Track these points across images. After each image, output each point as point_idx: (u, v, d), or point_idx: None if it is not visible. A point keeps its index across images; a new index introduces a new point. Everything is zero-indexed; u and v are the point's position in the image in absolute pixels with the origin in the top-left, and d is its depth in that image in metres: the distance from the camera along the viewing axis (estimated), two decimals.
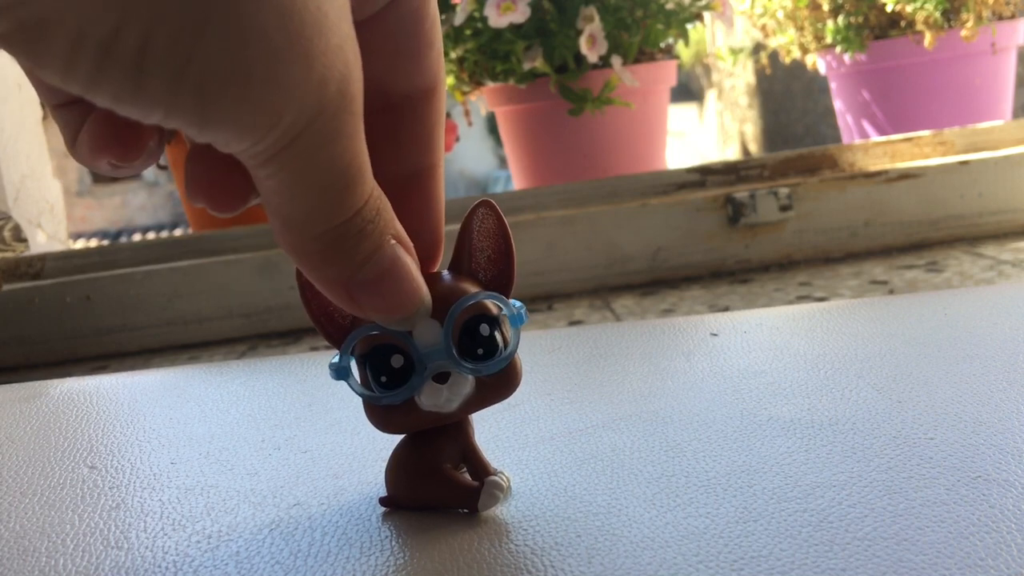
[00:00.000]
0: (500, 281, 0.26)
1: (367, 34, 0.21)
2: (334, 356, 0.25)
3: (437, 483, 0.26)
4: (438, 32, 0.25)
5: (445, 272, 0.26)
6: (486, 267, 0.26)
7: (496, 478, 0.25)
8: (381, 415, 0.25)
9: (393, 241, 0.22)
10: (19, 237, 1.06)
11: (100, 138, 0.21)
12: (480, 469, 0.26)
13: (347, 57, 0.19)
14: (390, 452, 0.26)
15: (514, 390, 0.26)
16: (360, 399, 0.25)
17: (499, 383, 0.25)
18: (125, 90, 0.17)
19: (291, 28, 0.18)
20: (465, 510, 0.26)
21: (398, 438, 0.26)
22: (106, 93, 0.17)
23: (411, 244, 0.23)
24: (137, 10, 0.16)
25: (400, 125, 0.25)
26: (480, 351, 0.25)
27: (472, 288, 0.25)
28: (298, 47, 0.18)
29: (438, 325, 0.24)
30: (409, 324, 0.24)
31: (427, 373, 0.24)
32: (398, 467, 0.26)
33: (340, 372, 0.25)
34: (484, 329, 0.25)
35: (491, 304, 0.25)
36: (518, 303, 0.26)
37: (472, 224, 0.26)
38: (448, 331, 0.24)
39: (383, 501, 0.27)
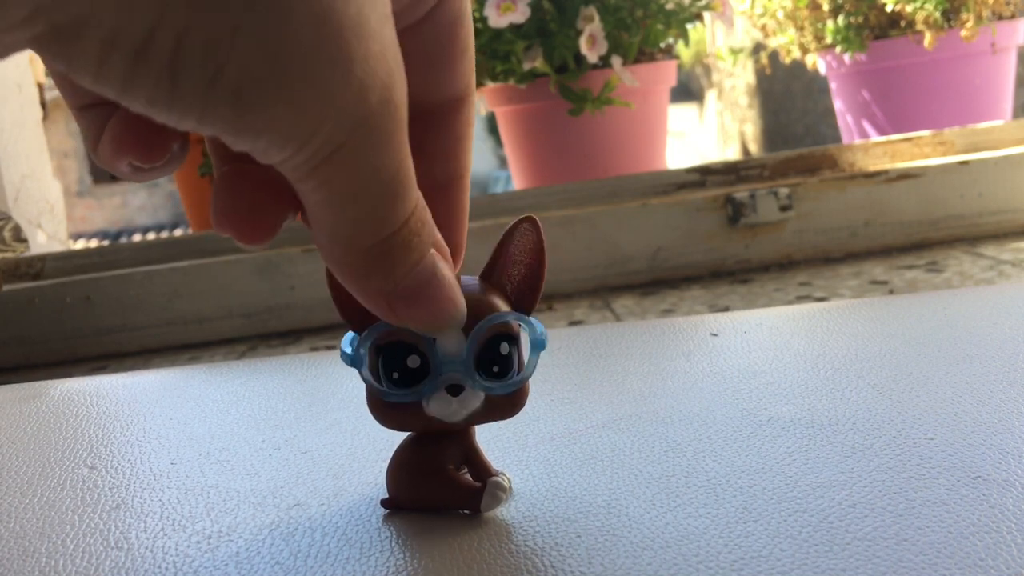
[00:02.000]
0: (526, 297, 0.26)
1: (403, 43, 0.20)
2: (346, 341, 0.25)
3: (440, 484, 0.25)
4: (471, 40, 0.24)
5: (475, 279, 0.25)
6: (516, 280, 0.26)
7: (498, 479, 0.25)
8: (383, 410, 0.25)
9: (433, 251, 0.22)
10: (19, 237, 1.06)
11: (123, 138, 0.20)
12: (482, 470, 0.26)
13: (389, 64, 0.19)
14: (391, 453, 0.26)
15: (519, 411, 0.25)
16: (362, 400, 0.25)
17: (506, 403, 0.25)
18: (159, 94, 0.17)
19: (329, 32, 0.17)
20: (467, 511, 0.26)
21: (399, 439, 0.26)
22: (140, 97, 0.17)
23: (448, 252, 0.23)
24: (171, 13, 0.16)
25: (429, 136, 0.24)
26: (496, 368, 0.25)
27: (499, 301, 0.25)
28: (337, 51, 0.17)
29: (463, 336, 0.24)
30: (441, 333, 0.23)
31: (441, 382, 0.24)
32: (400, 468, 0.26)
33: (355, 360, 0.24)
34: (504, 348, 0.25)
35: (514, 323, 0.25)
36: (541, 328, 0.25)
37: (513, 237, 0.26)
38: (471, 346, 0.24)
39: (385, 503, 0.27)
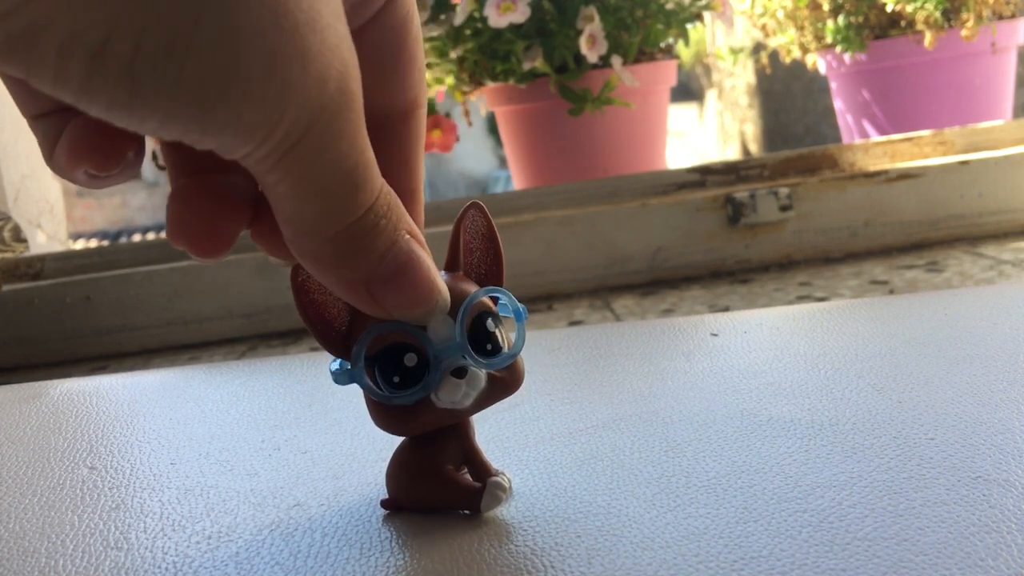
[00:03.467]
0: (490, 280, 0.27)
1: None
2: (333, 362, 0.25)
3: (439, 484, 0.25)
4: (420, 49, 0.25)
5: (442, 272, 0.26)
6: (477, 267, 0.27)
7: (498, 479, 0.25)
8: (393, 417, 0.25)
9: (407, 236, 0.22)
10: (19, 237, 1.06)
11: (78, 147, 0.20)
12: (482, 470, 0.26)
13: (344, 55, 0.19)
14: (390, 453, 0.26)
15: (519, 386, 0.26)
16: (362, 400, 0.25)
17: (506, 379, 0.25)
18: (119, 98, 0.17)
19: (285, 26, 0.17)
20: (467, 511, 0.26)
21: (398, 439, 0.26)
22: (99, 102, 0.17)
23: (423, 238, 0.23)
24: (127, 16, 0.16)
25: (378, 147, 0.24)
26: (488, 346, 0.25)
27: (468, 284, 0.25)
28: (294, 45, 0.18)
29: (451, 321, 0.24)
30: (429, 317, 0.23)
31: (443, 369, 0.24)
32: (400, 469, 0.26)
33: (353, 376, 0.24)
34: (491, 324, 0.25)
35: (490, 300, 0.25)
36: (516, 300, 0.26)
37: (463, 225, 0.26)
38: (462, 326, 0.24)
39: (385, 504, 0.27)
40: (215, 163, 0.21)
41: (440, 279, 0.23)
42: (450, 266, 0.26)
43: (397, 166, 0.25)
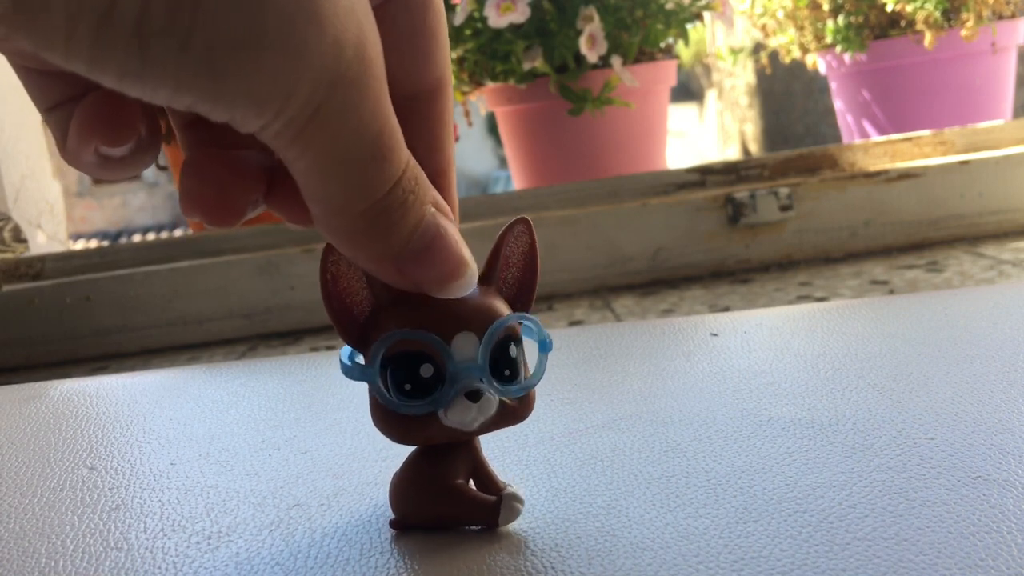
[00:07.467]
0: (522, 299, 0.26)
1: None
2: (343, 352, 0.25)
3: (454, 500, 0.24)
4: (443, 26, 0.24)
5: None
6: (511, 283, 0.26)
7: (514, 491, 0.25)
8: (395, 424, 0.24)
9: (433, 209, 0.21)
10: (19, 238, 1.06)
11: (88, 123, 0.20)
12: (491, 484, 0.25)
13: (360, 19, 0.18)
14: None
15: (528, 416, 0.25)
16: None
17: (517, 409, 0.24)
18: (129, 64, 0.16)
19: None
20: (483, 526, 0.25)
21: (401, 446, 0.26)
22: (110, 69, 0.16)
23: (448, 209, 0.22)
24: None
25: (406, 129, 0.23)
26: (507, 372, 0.24)
27: (499, 303, 0.24)
28: (308, 8, 0.17)
29: (477, 340, 0.23)
30: (459, 291, 0.22)
31: (458, 388, 0.23)
32: (409, 487, 0.25)
33: (366, 374, 0.23)
34: (513, 350, 0.24)
35: (517, 324, 0.24)
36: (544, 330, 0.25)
37: (507, 239, 0.25)
38: (486, 349, 0.23)
39: (394, 524, 0.25)
40: (228, 139, 0.21)
41: (468, 252, 0.22)
42: (485, 278, 0.25)
43: (427, 147, 0.24)
